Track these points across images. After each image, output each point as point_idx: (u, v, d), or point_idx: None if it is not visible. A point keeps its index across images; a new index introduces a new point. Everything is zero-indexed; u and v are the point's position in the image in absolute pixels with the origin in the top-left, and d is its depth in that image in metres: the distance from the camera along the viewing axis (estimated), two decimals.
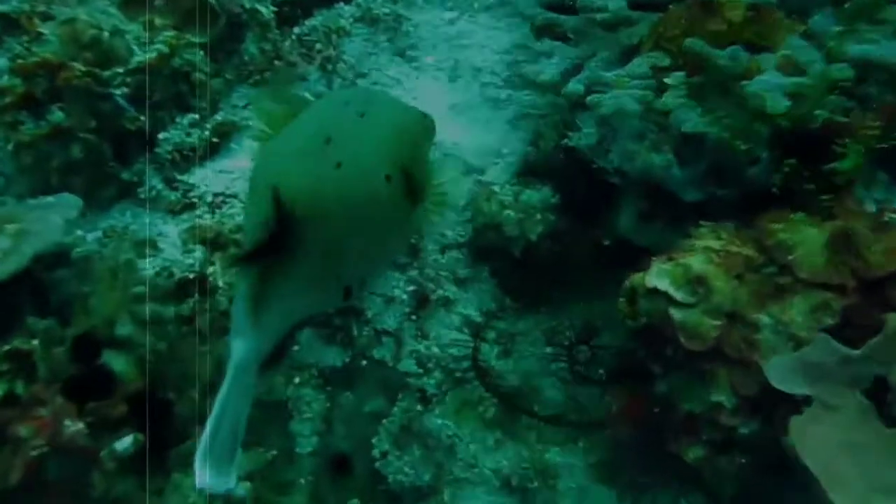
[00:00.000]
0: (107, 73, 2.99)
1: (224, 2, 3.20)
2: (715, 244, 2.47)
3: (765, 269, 2.38)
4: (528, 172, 3.04)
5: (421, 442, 2.79)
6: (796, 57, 2.54)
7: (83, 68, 2.94)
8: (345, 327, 2.86)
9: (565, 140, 2.79)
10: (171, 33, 3.11)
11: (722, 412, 2.35)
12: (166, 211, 3.07)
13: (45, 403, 2.47)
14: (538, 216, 2.90)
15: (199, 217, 2.97)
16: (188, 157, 3.12)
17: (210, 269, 2.81)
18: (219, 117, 3.20)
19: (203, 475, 2.04)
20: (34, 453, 2.43)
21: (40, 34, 2.98)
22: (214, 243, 2.87)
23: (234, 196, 3.03)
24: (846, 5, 2.56)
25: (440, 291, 2.96)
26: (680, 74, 2.61)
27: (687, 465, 2.46)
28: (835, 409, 2.19)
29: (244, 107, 3.27)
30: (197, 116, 3.16)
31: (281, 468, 2.73)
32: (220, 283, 2.77)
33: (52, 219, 2.69)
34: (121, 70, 3.02)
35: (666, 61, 2.69)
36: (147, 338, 2.64)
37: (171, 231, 3.01)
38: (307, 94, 3.20)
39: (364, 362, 2.85)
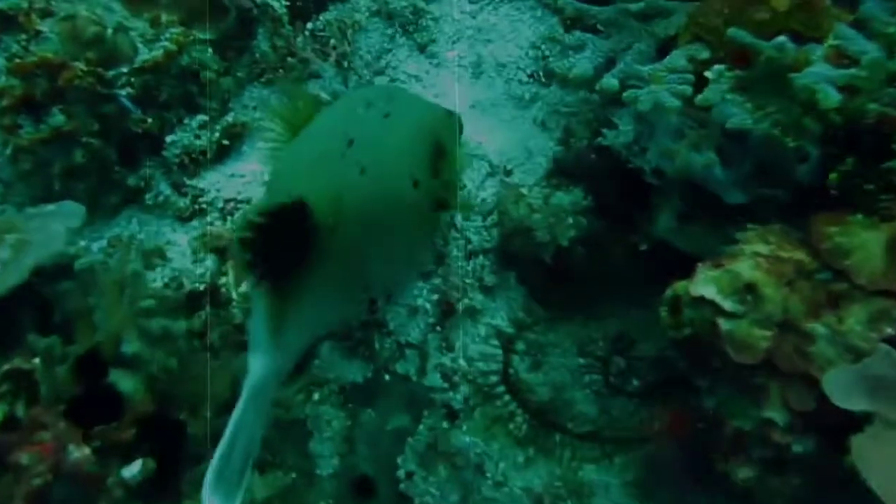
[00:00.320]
0: (110, 73, 2.87)
1: None
2: (763, 249, 2.32)
3: (818, 275, 2.24)
4: (557, 173, 2.88)
5: (448, 461, 2.66)
6: (847, 47, 2.37)
7: (85, 68, 2.81)
8: (366, 340, 2.70)
9: (599, 139, 2.60)
10: (178, 30, 2.98)
11: (774, 429, 2.22)
12: (175, 218, 2.96)
13: (47, 427, 2.34)
14: (569, 220, 2.74)
15: (210, 224, 2.85)
16: (197, 161, 3.00)
17: (222, 280, 2.69)
18: (229, 118, 3.07)
19: (212, 501, 1.93)
20: (36, 482, 2.29)
21: (39, 32, 2.87)
22: (226, 252, 2.73)
23: (247, 201, 2.91)
24: None
25: (466, 300, 2.81)
26: (721, 67, 2.45)
27: (735, 486, 2.33)
28: None
29: (255, 107, 3.11)
30: (206, 117, 3.04)
31: (300, 491, 2.63)
32: (234, 295, 2.62)
33: (54, 228, 2.55)
34: (125, 69, 2.89)
35: (705, 53, 2.54)
36: (156, 355, 2.47)
37: (180, 239, 2.91)
38: (322, 93, 3.04)
39: (387, 377, 2.73)
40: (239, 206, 2.88)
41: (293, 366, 2.07)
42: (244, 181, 2.97)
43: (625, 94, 2.53)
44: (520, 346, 2.82)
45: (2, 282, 2.49)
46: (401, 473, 2.65)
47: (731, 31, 2.42)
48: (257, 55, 3.20)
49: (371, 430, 2.69)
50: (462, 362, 2.75)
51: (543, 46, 3.14)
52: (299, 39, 3.18)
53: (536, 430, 2.75)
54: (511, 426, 2.74)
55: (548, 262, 2.79)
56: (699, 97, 2.43)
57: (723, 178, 2.48)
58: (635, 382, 2.74)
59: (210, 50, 3.06)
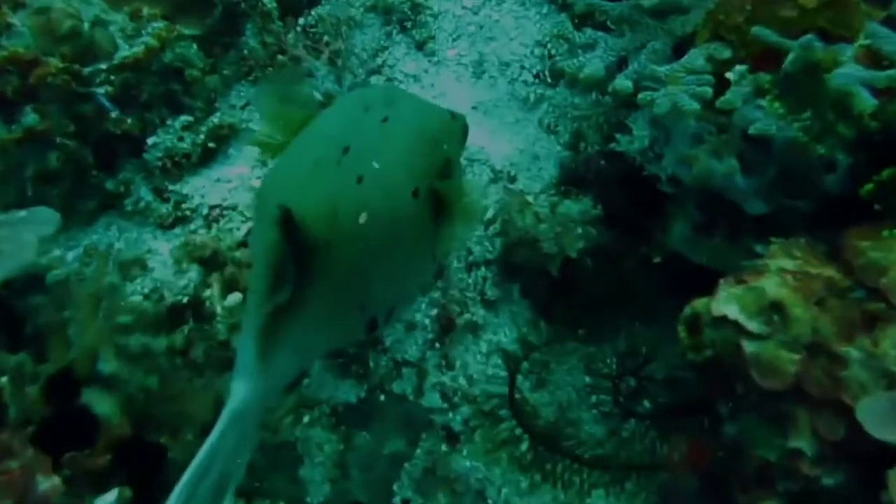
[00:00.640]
0: (87, 70, 2.71)
1: None
2: (789, 264, 2.22)
3: (851, 293, 2.12)
4: (565, 180, 2.77)
5: (447, 487, 2.57)
6: (880, 46, 2.26)
7: (60, 64, 2.66)
8: (360, 358, 2.62)
9: (612, 144, 2.45)
10: (160, 24, 2.83)
11: (802, 460, 2.09)
12: (156, 225, 2.83)
13: (13, 454, 2.15)
14: (578, 230, 2.64)
15: (194, 232, 2.72)
16: (181, 165, 2.86)
17: (206, 292, 2.54)
18: (215, 119, 2.93)
19: None
20: None
21: (10, 25, 2.69)
22: (211, 262, 2.61)
23: (233, 208, 2.79)
24: None
25: (467, 315, 2.73)
26: (743, 68, 2.35)
27: None
28: None
29: (244, 107, 2.99)
30: (190, 118, 2.90)
31: None
32: (218, 309, 2.46)
33: (25, 237, 2.38)
34: (103, 66, 2.74)
35: (726, 53, 2.42)
36: (135, 374, 2.31)
37: (161, 248, 2.76)
38: (314, 93, 2.88)
39: (382, 397, 2.63)
40: (225, 212, 2.72)
41: (281, 392, 1.95)
42: (230, 186, 2.83)
43: (639, 97, 2.40)
44: (524, 364, 2.70)
45: None
46: (397, 501, 2.54)
47: (756, 30, 2.31)
48: (245, 52, 3.06)
49: (365, 454, 2.58)
50: (462, 381, 2.66)
51: (550, 45, 3.02)
52: (290, 36, 3.04)
53: (541, 454, 2.62)
54: (514, 449, 2.62)
55: (554, 275, 2.68)
56: (720, 100, 2.32)
57: (744, 186, 2.37)
58: (647, 404, 2.63)
59: (195, 46, 2.91)
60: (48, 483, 2.15)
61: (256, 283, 1.83)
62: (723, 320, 2.15)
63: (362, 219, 1.84)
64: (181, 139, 2.86)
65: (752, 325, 2.11)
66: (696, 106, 2.34)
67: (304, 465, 2.53)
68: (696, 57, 2.44)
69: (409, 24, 3.20)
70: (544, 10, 3.16)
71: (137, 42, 2.78)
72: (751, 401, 2.16)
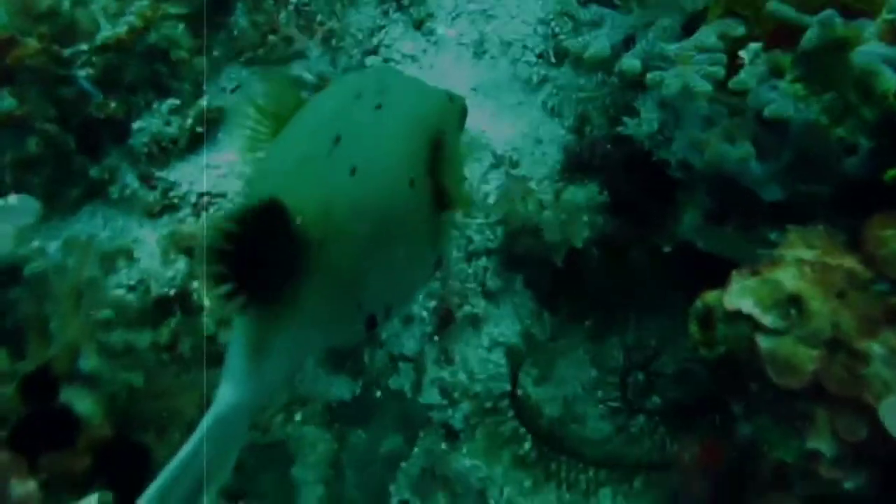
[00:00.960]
0: (68, 51, 2.63)
1: None
2: (807, 254, 2.14)
3: (873, 286, 2.04)
4: (570, 166, 2.68)
5: (446, 487, 2.51)
6: None
7: (38, 45, 2.58)
8: (355, 353, 2.53)
9: (619, 128, 2.35)
10: (145, 3, 2.73)
11: (821, 462, 2.01)
12: (143, 213, 2.73)
13: None
14: (584, 218, 2.54)
15: (182, 221, 2.64)
16: (168, 150, 2.77)
17: (194, 284, 2.47)
18: (203, 103, 2.83)
19: None
20: None
21: None
22: (199, 252, 2.45)
23: (223, 195, 2.70)
24: None
25: (467, 307, 2.64)
26: (757, 46, 2.26)
27: None
28: None
29: (234, 90, 2.90)
30: (178, 102, 2.80)
31: None
32: (206, 302, 2.38)
33: (2, 227, 2.27)
34: (85, 47, 2.65)
35: (740, 30, 2.34)
36: (117, 371, 2.23)
37: (148, 237, 2.68)
38: (307, 75, 2.77)
39: (378, 394, 2.56)
40: (214, 200, 2.65)
41: (272, 396, 1.91)
42: (220, 173, 2.73)
43: (648, 77, 2.32)
44: (527, 357, 2.61)
45: None
46: (394, 502, 2.48)
47: (773, 5, 2.22)
48: (235, 32, 2.96)
49: (360, 453, 2.51)
50: (462, 376, 2.58)
51: (554, 23, 2.90)
52: (282, 15, 2.93)
53: (545, 452, 2.53)
54: (517, 447, 2.54)
55: (558, 265, 2.58)
56: (733, 80, 2.25)
57: (758, 171, 2.29)
58: (656, 399, 2.54)
59: (181, 26, 2.80)
60: (23, 487, 2.09)
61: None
62: (736, 315, 2.07)
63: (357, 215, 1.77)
64: (168, 124, 2.77)
65: (768, 320, 2.04)
66: (707, 87, 2.26)
67: (295, 464, 2.46)
68: (707, 34, 2.36)
69: (406, 2, 3.08)
70: None
71: (121, 22, 2.69)
72: (766, 399, 2.08)
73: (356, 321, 1.88)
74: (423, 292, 2.60)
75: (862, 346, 1.97)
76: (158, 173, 2.75)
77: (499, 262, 2.68)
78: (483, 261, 2.67)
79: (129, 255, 2.54)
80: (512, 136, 2.81)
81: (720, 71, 2.26)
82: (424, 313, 2.59)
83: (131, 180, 2.73)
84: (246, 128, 2.06)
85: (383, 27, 3.05)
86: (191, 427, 2.21)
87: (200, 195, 2.70)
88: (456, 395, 2.55)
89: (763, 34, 2.30)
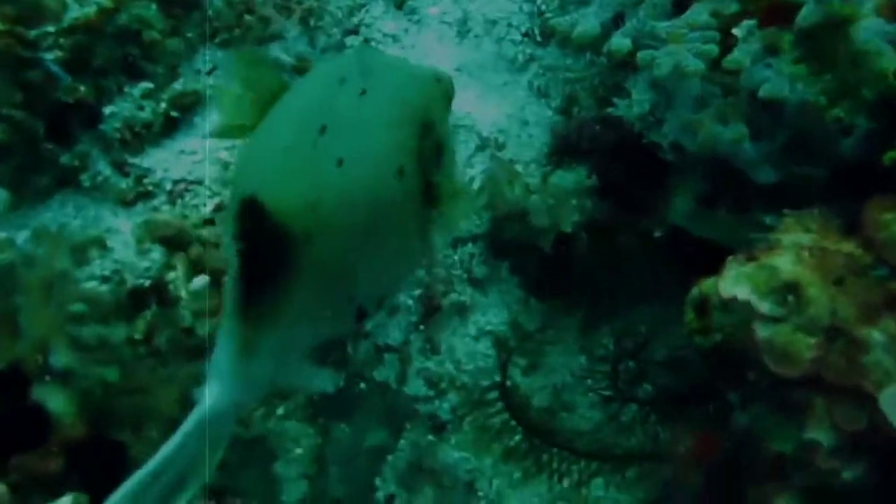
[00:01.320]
0: (34, 33, 2.50)
1: None
2: (804, 239, 2.12)
3: (873, 271, 2.01)
4: (558, 148, 2.61)
5: (434, 480, 2.48)
6: None
7: (2, 26, 2.45)
8: (337, 343, 2.46)
9: (609, 109, 2.29)
10: None
11: (819, 452, 1.99)
12: (116, 202, 2.61)
13: None
14: (572, 202, 2.49)
15: (157, 209, 2.54)
16: (141, 136, 2.65)
17: (170, 275, 2.36)
18: (178, 86, 2.71)
19: None
20: None
21: None
22: (175, 242, 2.42)
23: (199, 182, 2.59)
24: None
25: (453, 295, 2.58)
26: (751, 23, 2.22)
27: None
28: None
29: (209, 72, 2.77)
30: (151, 85, 2.68)
31: None
32: (183, 293, 2.28)
33: None
34: (52, 29, 2.52)
35: (733, 7, 2.28)
36: (90, 367, 2.15)
37: (122, 226, 2.55)
38: (285, 56, 2.69)
39: (362, 385, 2.50)
40: (190, 187, 2.53)
41: (262, 395, 1.86)
42: (196, 159, 2.62)
43: (639, 56, 2.26)
44: (515, 345, 2.56)
45: None
46: (379, 496, 2.46)
47: None
48: (210, 12, 2.83)
49: (345, 447, 2.47)
50: (449, 366, 2.53)
51: (540, 0, 2.78)
52: None
53: (534, 442, 2.48)
54: (506, 438, 2.49)
55: (547, 251, 2.54)
56: (726, 59, 2.20)
57: (752, 153, 2.25)
58: (648, 388, 2.49)
59: (154, 6, 2.69)
60: None
61: (230, 281, 1.74)
62: (732, 302, 2.03)
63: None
64: (141, 108, 2.66)
65: (765, 307, 2.00)
66: (700, 66, 2.21)
67: (278, 460, 2.42)
68: (699, 12, 2.30)
69: None
70: None
71: (89, 1, 2.57)
72: (763, 388, 2.06)
73: (346, 314, 1.85)
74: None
75: (861, 334, 1.94)
76: (132, 160, 2.63)
77: (485, 248, 2.63)
78: (469, 247, 2.61)
79: (102, 245, 2.45)
80: (497, 118, 2.73)
81: (713, 49, 2.20)
82: (409, 302, 2.53)
83: (103, 167, 2.61)
84: (225, 115, 1.99)
85: (363, 6, 2.96)
86: (169, 424, 2.17)
87: (176, 182, 2.60)
88: (443, 385, 2.50)
89: (757, 11, 2.24)
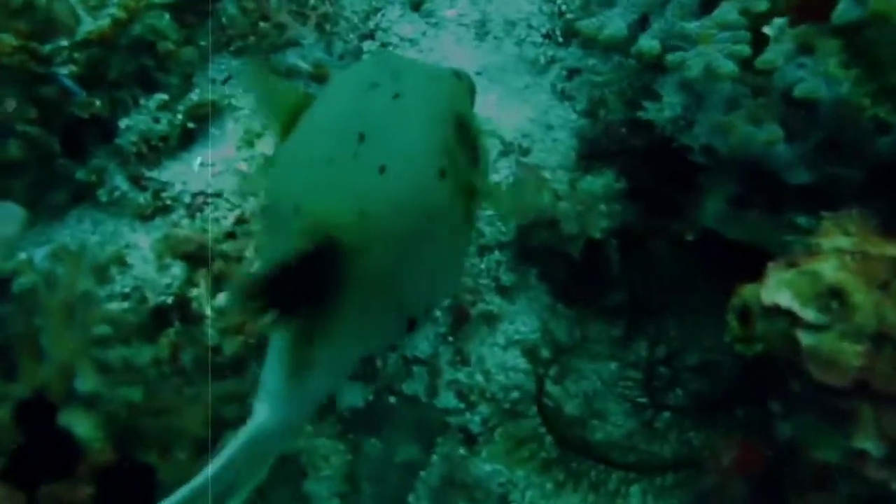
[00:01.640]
0: (47, 48, 2.45)
1: None
2: (845, 243, 2.03)
3: None
4: (585, 152, 2.54)
5: (467, 494, 2.41)
6: None
7: (15, 42, 2.39)
8: (366, 356, 2.37)
9: (639, 112, 2.22)
10: None
11: (867, 462, 1.91)
12: (134, 216, 2.57)
13: None
14: (601, 207, 2.41)
15: (176, 225, 2.50)
16: (158, 149, 2.60)
17: (193, 292, 2.32)
18: (194, 97, 2.67)
19: None
20: None
21: None
22: (196, 257, 2.37)
23: (219, 195, 2.53)
24: None
25: (481, 305, 2.51)
26: (783, 21, 2.15)
27: None
28: None
29: (224, 81, 2.72)
30: (166, 97, 2.63)
31: None
32: (207, 311, 2.24)
33: None
34: (65, 43, 2.47)
35: (763, 5, 2.18)
36: (117, 390, 2.11)
37: (140, 241, 2.52)
38: (302, 63, 2.62)
39: (392, 399, 2.43)
40: (209, 200, 2.48)
41: (315, 411, 1.87)
42: (215, 171, 2.57)
43: (669, 58, 2.19)
44: (545, 353, 2.50)
45: None
46: None
47: None
48: (224, 20, 2.79)
49: (376, 463, 2.41)
50: (479, 378, 2.46)
51: (560, 1, 2.72)
52: (272, 0, 2.75)
53: (566, 451, 2.42)
54: (538, 449, 2.43)
55: (576, 257, 2.45)
56: (759, 59, 2.12)
57: (785, 154, 2.18)
58: (681, 394, 2.44)
59: (167, 16, 2.63)
60: None
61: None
62: (775, 309, 1.95)
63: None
64: (157, 120, 2.60)
65: (809, 314, 1.92)
66: (732, 67, 2.13)
67: (308, 479, 2.36)
68: (728, 10, 2.21)
69: None
70: None
71: (102, 14, 2.51)
72: (808, 397, 1.97)
73: (397, 325, 1.81)
74: None
75: None
76: (149, 173, 2.59)
77: (512, 255, 2.55)
78: (496, 254, 2.54)
79: (122, 262, 2.40)
80: (520, 122, 2.67)
81: (745, 49, 2.13)
82: (438, 313, 2.46)
83: (120, 182, 2.56)
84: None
85: (379, 10, 2.89)
86: (196, 444, 2.13)
87: (195, 195, 2.54)
88: (473, 397, 2.44)
89: (787, 8, 2.16)
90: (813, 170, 2.17)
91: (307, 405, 1.77)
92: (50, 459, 2.04)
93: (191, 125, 2.64)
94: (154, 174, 2.59)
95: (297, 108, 1.89)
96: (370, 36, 2.85)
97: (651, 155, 2.38)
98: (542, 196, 2.41)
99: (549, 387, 2.46)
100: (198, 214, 2.51)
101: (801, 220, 2.16)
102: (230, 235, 2.43)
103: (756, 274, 2.03)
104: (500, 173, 2.56)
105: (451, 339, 2.47)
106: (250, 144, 2.59)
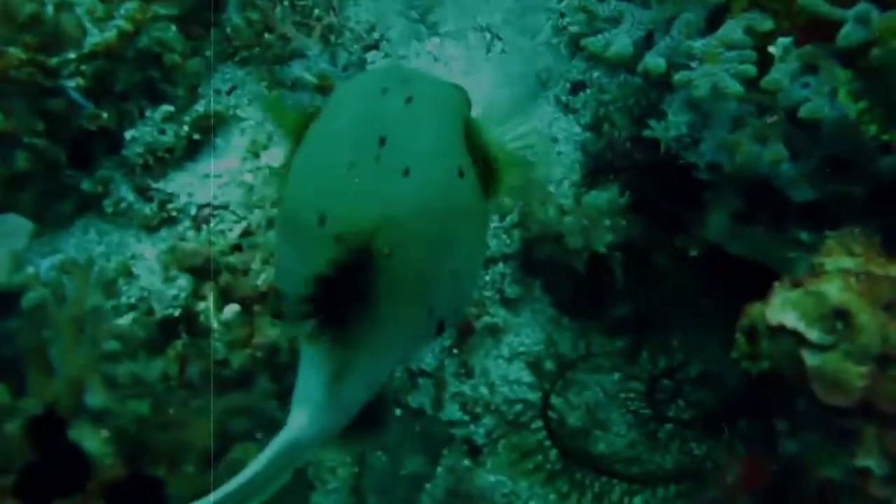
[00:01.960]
0: (55, 61, 2.45)
1: None
2: (850, 263, 2.02)
3: None
4: (588, 165, 2.53)
5: None
6: None
7: (23, 55, 2.39)
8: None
9: (645, 132, 2.22)
10: (133, 5, 2.54)
11: (871, 480, 1.91)
12: (139, 227, 2.58)
13: None
14: (606, 222, 2.40)
15: (182, 238, 2.50)
16: (164, 160, 2.61)
17: (200, 305, 2.32)
18: (199, 108, 2.67)
19: None
20: None
21: None
22: (203, 270, 2.37)
23: (225, 207, 2.54)
24: None
25: (486, 317, 2.51)
26: (787, 40, 2.14)
27: None
28: None
29: (229, 92, 2.71)
30: (172, 108, 2.63)
31: None
32: (214, 324, 2.24)
33: None
34: (72, 55, 2.47)
35: (768, 24, 2.18)
36: (126, 404, 2.11)
37: (146, 252, 2.55)
38: (307, 75, 2.62)
39: (398, 412, 2.44)
40: (216, 211, 2.48)
41: (351, 419, 1.77)
42: (221, 182, 2.58)
43: (676, 78, 2.18)
44: (549, 366, 2.50)
45: None
46: None
47: (804, 0, 2.06)
48: (229, 30, 2.77)
49: (382, 476, 2.42)
50: (484, 390, 2.47)
51: (567, 17, 2.72)
52: (277, 10, 2.75)
53: (569, 462, 2.43)
54: (542, 459, 2.44)
55: (580, 271, 2.45)
56: (764, 80, 2.11)
57: (789, 172, 2.17)
58: (684, 407, 2.46)
59: (173, 28, 2.63)
60: None
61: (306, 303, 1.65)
62: (780, 329, 1.95)
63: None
64: (163, 132, 2.60)
65: (813, 335, 1.92)
66: (739, 88, 2.12)
67: (315, 491, 2.38)
68: (733, 29, 2.20)
69: None
70: None
71: (109, 26, 2.50)
72: (813, 416, 1.98)
73: (429, 328, 1.79)
74: None
75: None
76: (155, 184, 2.59)
77: (516, 267, 2.56)
78: (500, 266, 2.54)
79: (129, 273, 2.41)
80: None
81: (751, 70, 2.11)
82: None
83: (126, 192, 2.57)
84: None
85: (384, 21, 2.89)
86: (205, 458, 2.13)
87: (201, 207, 2.54)
88: (478, 409, 2.45)
89: (792, 27, 2.16)
90: (817, 187, 2.17)
91: (345, 413, 1.75)
92: (61, 475, 2.04)
93: (196, 136, 2.63)
94: (160, 185, 2.59)
95: (307, 117, 1.88)
96: (374, 47, 2.84)
97: (655, 170, 2.38)
98: (548, 211, 2.42)
99: (553, 398, 2.47)
100: (203, 226, 2.51)
101: (805, 236, 2.18)
102: (236, 248, 2.43)
103: (760, 289, 2.04)
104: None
105: (455, 351, 2.48)
106: (256, 155, 2.59)
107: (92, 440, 2.09)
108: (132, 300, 2.38)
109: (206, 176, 2.58)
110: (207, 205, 2.52)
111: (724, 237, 2.32)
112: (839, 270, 1.99)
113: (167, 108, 2.61)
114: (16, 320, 2.21)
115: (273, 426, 2.19)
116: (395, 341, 1.74)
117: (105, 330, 2.12)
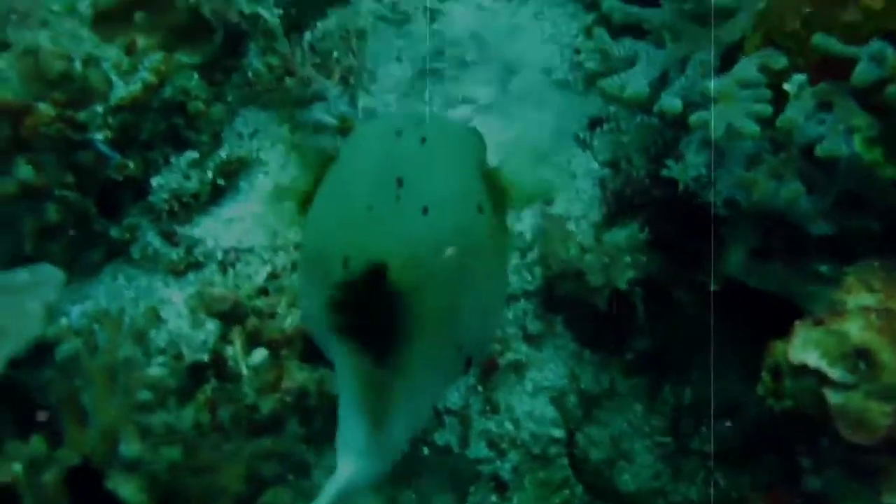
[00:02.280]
0: (83, 115, 2.48)
1: (219, 9, 2.60)
2: (870, 300, 2.04)
3: None
4: (608, 202, 2.54)
5: None
6: None
7: (53, 112, 2.42)
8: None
9: (663, 171, 2.24)
10: (158, 57, 2.58)
11: None
12: (167, 272, 2.61)
13: None
14: (626, 259, 2.41)
15: (210, 283, 2.52)
16: (189, 206, 2.65)
17: (228, 350, 2.33)
18: (223, 153, 2.70)
19: None
20: None
21: None
22: (230, 315, 2.37)
23: (250, 250, 2.57)
24: None
25: (509, 354, 2.53)
26: (802, 77, 2.15)
27: None
28: None
29: (252, 135, 2.71)
30: (196, 154, 2.67)
31: None
32: (244, 370, 2.26)
33: (30, 307, 2.18)
34: (100, 108, 2.51)
35: (782, 61, 2.19)
36: (160, 452, 2.13)
37: (174, 296, 2.57)
38: (328, 117, 2.65)
39: (425, 450, 2.47)
40: (241, 255, 2.50)
41: (396, 461, 1.76)
42: (245, 226, 2.61)
43: (692, 119, 2.18)
44: (572, 400, 2.54)
45: None
46: None
47: (818, 39, 2.08)
48: (250, 75, 2.80)
49: None
50: (509, 426, 2.49)
51: (583, 55, 2.73)
52: (297, 54, 2.76)
53: (594, 496, 2.50)
54: (568, 494, 2.48)
55: (601, 308, 2.46)
56: (780, 118, 2.12)
57: (806, 207, 2.18)
58: (708, 440, 2.47)
59: (196, 76, 2.68)
60: None
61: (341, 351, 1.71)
62: (803, 368, 1.97)
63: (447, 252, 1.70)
64: (188, 178, 2.64)
65: (836, 374, 1.94)
66: (755, 128, 2.12)
67: None
68: (748, 67, 2.22)
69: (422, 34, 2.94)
70: (570, 10, 2.90)
71: (134, 79, 2.54)
72: (838, 454, 1.99)
73: (457, 364, 1.81)
74: None
75: None
76: (181, 230, 2.63)
77: (538, 304, 2.58)
78: (522, 303, 2.56)
79: (157, 317, 2.45)
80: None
81: (767, 109, 2.12)
82: None
83: (153, 238, 2.60)
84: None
85: (399, 61, 2.92)
86: (234, 502, 2.16)
87: (226, 251, 2.58)
88: (504, 445, 2.47)
89: (806, 64, 2.17)
90: (833, 223, 2.18)
91: (390, 455, 1.73)
92: None
93: (221, 181, 2.67)
94: (186, 230, 2.62)
95: (325, 160, 1.92)
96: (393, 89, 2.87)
97: (674, 206, 2.39)
98: (569, 249, 2.44)
99: (577, 434, 2.50)
100: (230, 270, 2.54)
101: (824, 269, 2.19)
102: (263, 291, 2.46)
103: (780, 322, 2.05)
104: (524, 222, 2.58)
105: (480, 388, 2.50)
106: (279, 198, 2.62)
107: (127, 488, 2.12)
108: (162, 344, 2.41)
109: (231, 220, 2.60)
110: (233, 249, 2.54)
111: (743, 272, 2.33)
112: (860, 308, 2.01)
113: (192, 154, 2.64)
114: (50, 370, 2.24)
115: (303, 469, 2.23)
116: (428, 380, 1.75)
117: (137, 379, 2.15)
